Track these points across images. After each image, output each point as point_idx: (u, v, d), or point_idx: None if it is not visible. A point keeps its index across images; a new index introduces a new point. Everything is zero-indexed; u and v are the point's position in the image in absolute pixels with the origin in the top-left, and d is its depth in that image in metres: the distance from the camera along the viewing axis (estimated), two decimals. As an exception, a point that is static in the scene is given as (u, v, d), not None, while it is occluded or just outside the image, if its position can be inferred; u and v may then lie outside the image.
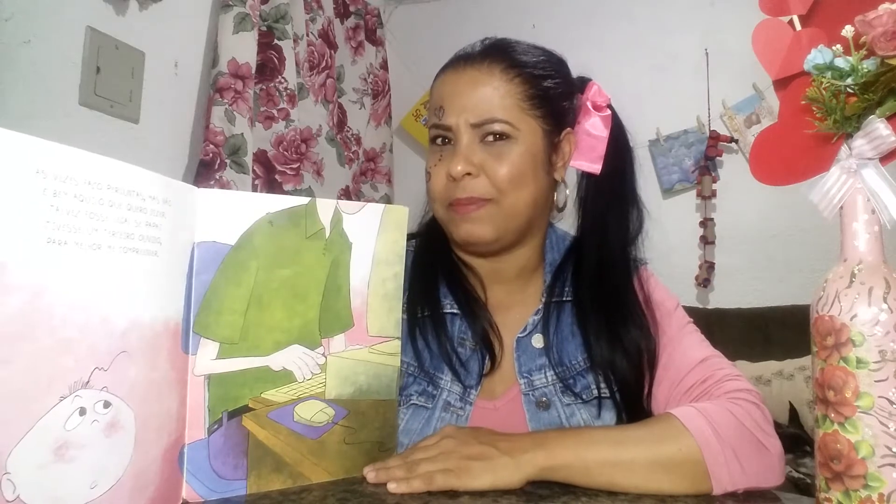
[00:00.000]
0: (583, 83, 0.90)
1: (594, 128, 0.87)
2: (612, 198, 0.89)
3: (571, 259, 0.89)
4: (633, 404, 0.82)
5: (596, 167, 0.86)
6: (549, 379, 0.82)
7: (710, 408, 0.70)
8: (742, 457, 0.67)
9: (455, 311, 0.84)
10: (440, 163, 0.82)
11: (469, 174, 0.79)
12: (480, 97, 0.80)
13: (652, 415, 0.82)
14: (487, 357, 0.82)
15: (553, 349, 0.83)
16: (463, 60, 0.83)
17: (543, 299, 0.86)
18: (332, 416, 0.67)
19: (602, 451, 0.64)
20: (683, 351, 0.81)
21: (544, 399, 0.81)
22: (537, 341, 0.83)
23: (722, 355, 0.81)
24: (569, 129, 0.87)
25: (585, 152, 0.87)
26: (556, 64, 0.87)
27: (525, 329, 0.84)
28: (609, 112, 0.88)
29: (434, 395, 0.81)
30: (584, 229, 0.90)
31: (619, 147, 0.89)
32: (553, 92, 0.84)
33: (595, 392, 0.81)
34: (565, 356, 0.83)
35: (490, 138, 0.80)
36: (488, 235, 0.81)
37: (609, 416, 0.82)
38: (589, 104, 0.87)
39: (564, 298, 0.86)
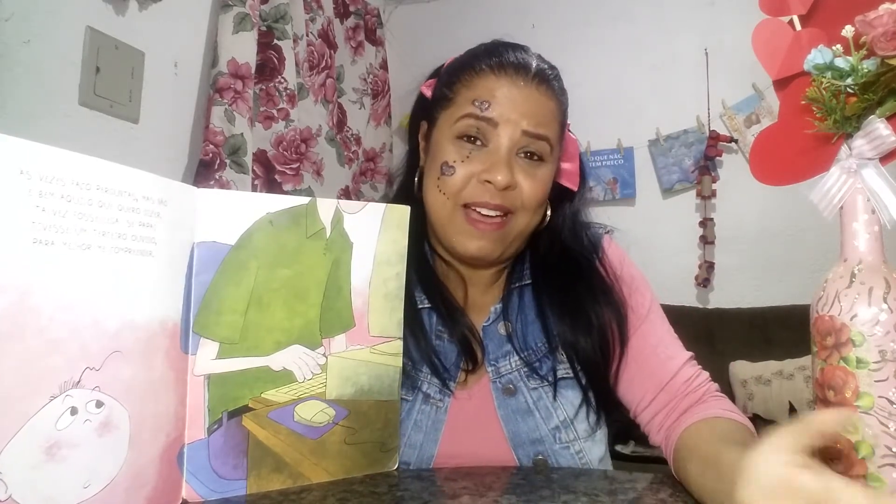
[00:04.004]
0: None
1: (570, 147, 0.89)
2: (567, 201, 0.90)
3: (528, 242, 0.88)
4: (597, 382, 0.82)
5: (574, 185, 0.88)
6: (514, 365, 0.82)
7: (737, 411, 0.74)
8: None
9: (430, 305, 0.84)
10: (469, 160, 0.79)
11: (508, 187, 0.77)
12: (538, 112, 0.79)
13: (615, 395, 0.83)
14: (468, 358, 0.82)
15: (517, 334, 0.83)
16: (518, 72, 0.80)
17: (504, 286, 0.87)
18: (332, 417, 0.67)
19: None
20: (671, 343, 0.83)
21: (510, 385, 0.81)
22: (502, 328, 0.84)
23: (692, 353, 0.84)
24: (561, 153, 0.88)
25: (566, 171, 0.88)
26: None
27: (489, 318, 0.84)
28: (573, 135, 0.90)
29: (413, 388, 0.81)
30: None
31: (581, 170, 0.91)
32: (566, 123, 0.87)
33: (559, 373, 0.82)
34: (530, 339, 0.83)
35: (527, 155, 0.79)
36: (494, 254, 0.81)
37: (572, 395, 0.82)
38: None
39: (524, 282, 0.86)
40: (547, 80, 0.82)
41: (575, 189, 0.88)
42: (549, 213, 0.86)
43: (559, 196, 0.88)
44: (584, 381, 0.82)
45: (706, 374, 0.81)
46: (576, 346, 0.81)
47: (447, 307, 0.84)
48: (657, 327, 0.84)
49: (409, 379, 0.81)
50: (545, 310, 0.83)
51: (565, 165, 0.88)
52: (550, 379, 0.81)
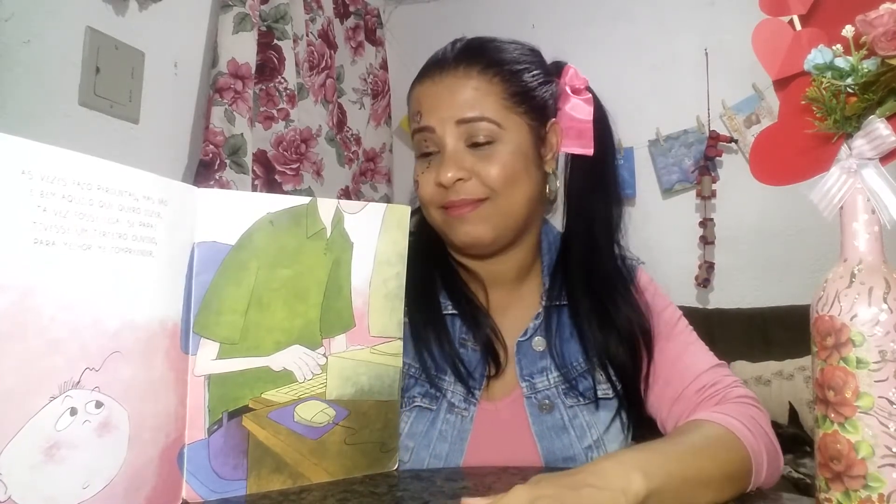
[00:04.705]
0: (559, 68, 0.89)
1: (577, 111, 0.86)
2: (596, 182, 0.88)
3: (564, 260, 0.89)
4: (631, 395, 0.82)
5: (588, 150, 0.86)
6: (552, 381, 0.82)
7: (740, 413, 0.71)
8: (768, 460, 0.69)
9: (455, 311, 0.84)
10: (428, 170, 0.81)
11: (461, 179, 0.78)
12: (463, 99, 0.79)
13: (644, 407, 0.83)
14: (491, 362, 0.81)
15: (556, 351, 0.83)
16: (437, 68, 0.81)
17: (543, 303, 0.86)
18: (332, 417, 0.67)
19: (684, 467, 0.59)
20: (694, 353, 0.83)
21: (547, 402, 0.80)
22: (538, 344, 0.83)
23: (724, 363, 0.83)
24: (553, 119, 0.86)
25: (574, 137, 0.86)
26: (531, 55, 0.86)
27: (526, 333, 0.84)
28: (589, 94, 0.87)
29: (437, 396, 0.80)
30: (570, 219, 0.90)
31: (601, 130, 0.88)
32: (533, 85, 0.83)
33: (597, 392, 0.82)
34: (567, 357, 0.83)
35: (477, 142, 0.79)
36: (487, 236, 0.80)
37: (604, 415, 0.82)
38: (567, 88, 0.86)
39: (562, 302, 0.86)
40: (468, 58, 0.81)
41: (590, 153, 0.86)
42: (559, 184, 0.85)
43: (583, 169, 0.87)
44: (621, 400, 0.82)
45: (731, 379, 0.79)
46: (610, 356, 0.81)
47: (470, 307, 0.84)
48: (679, 341, 0.84)
49: (432, 387, 0.80)
50: (584, 328, 0.83)
51: (572, 133, 0.86)
52: (589, 396, 0.81)
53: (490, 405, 0.81)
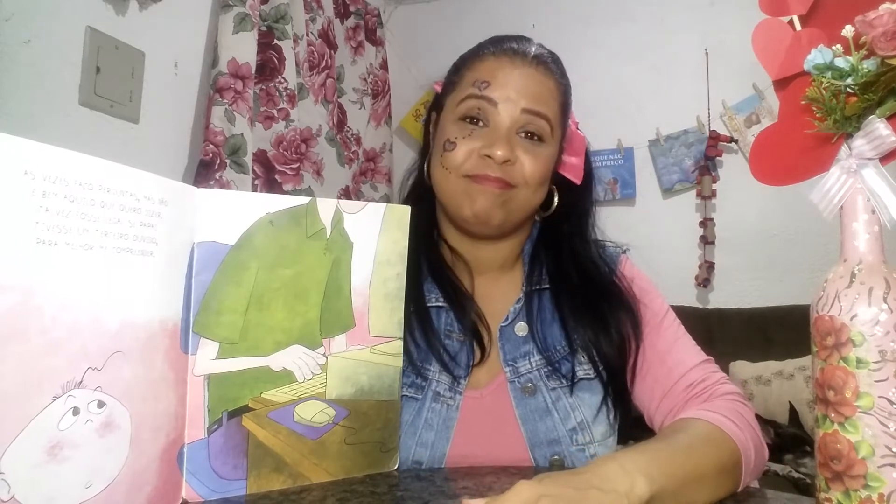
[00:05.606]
0: None
1: (574, 142, 0.90)
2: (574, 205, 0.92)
3: (543, 246, 0.91)
4: (617, 384, 0.83)
5: (577, 178, 0.90)
6: (534, 365, 0.83)
7: (728, 410, 0.72)
8: (755, 452, 0.70)
9: (440, 304, 0.86)
10: (470, 137, 0.82)
11: (508, 161, 0.80)
12: (538, 92, 0.82)
13: (630, 394, 0.84)
14: (476, 348, 0.83)
15: (538, 335, 0.84)
16: (516, 54, 0.84)
17: (524, 289, 0.88)
18: (332, 417, 0.67)
19: (682, 467, 0.61)
20: (682, 349, 0.84)
21: (530, 385, 0.81)
22: (520, 329, 0.85)
23: (711, 358, 0.85)
24: (565, 144, 0.90)
25: (570, 165, 0.90)
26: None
27: (507, 318, 0.85)
28: (582, 134, 0.92)
29: (423, 386, 0.81)
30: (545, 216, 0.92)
31: (587, 161, 0.93)
32: (569, 110, 0.89)
33: (578, 374, 0.83)
34: (549, 340, 0.84)
35: (527, 134, 0.82)
36: (497, 219, 0.82)
37: (589, 397, 0.82)
38: (570, 122, 0.91)
39: (543, 286, 0.88)
40: (545, 62, 0.85)
41: (578, 182, 0.90)
42: (556, 199, 0.89)
43: (567, 189, 0.90)
44: (605, 382, 0.83)
45: (718, 376, 0.81)
46: (596, 346, 0.83)
47: (455, 292, 0.85)
48: (668, 335, 0.85)
49: (418, 377, 0.81)
50: (564, 313, 0.85)
51: (571, 159, 0.90)
52: (569, 380, 0.82)
53: (475, 392, 0.82)
